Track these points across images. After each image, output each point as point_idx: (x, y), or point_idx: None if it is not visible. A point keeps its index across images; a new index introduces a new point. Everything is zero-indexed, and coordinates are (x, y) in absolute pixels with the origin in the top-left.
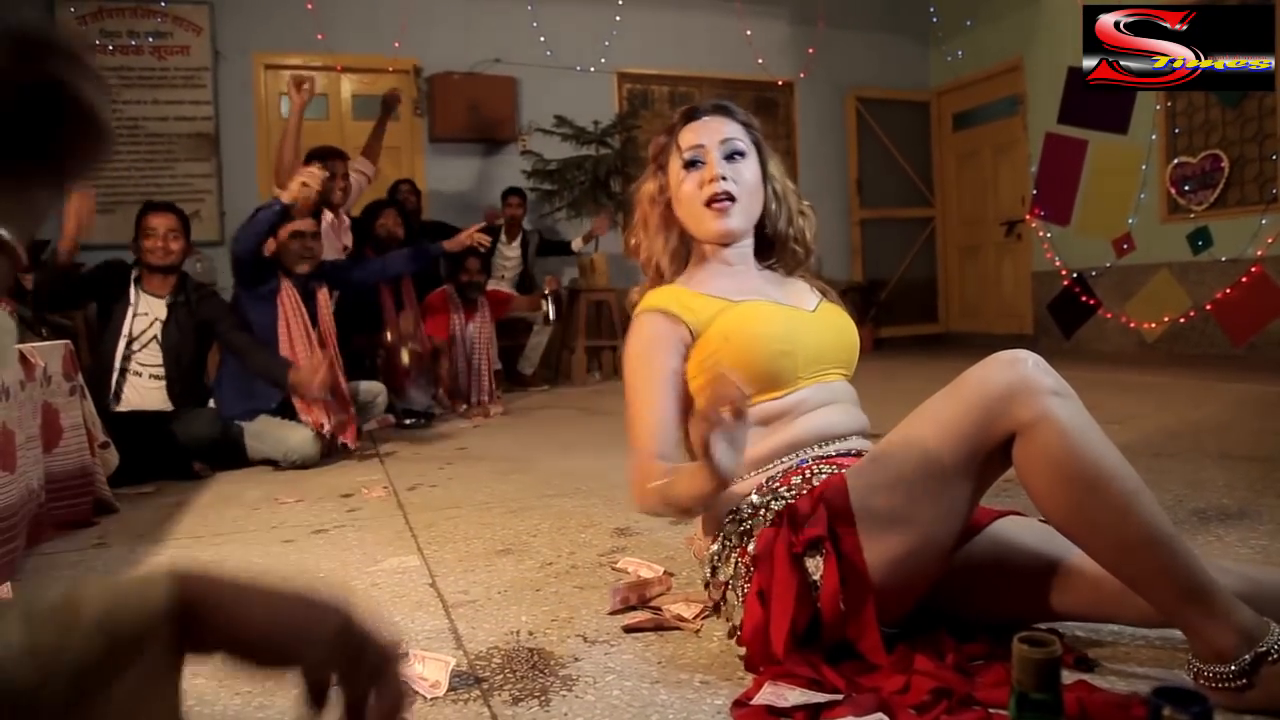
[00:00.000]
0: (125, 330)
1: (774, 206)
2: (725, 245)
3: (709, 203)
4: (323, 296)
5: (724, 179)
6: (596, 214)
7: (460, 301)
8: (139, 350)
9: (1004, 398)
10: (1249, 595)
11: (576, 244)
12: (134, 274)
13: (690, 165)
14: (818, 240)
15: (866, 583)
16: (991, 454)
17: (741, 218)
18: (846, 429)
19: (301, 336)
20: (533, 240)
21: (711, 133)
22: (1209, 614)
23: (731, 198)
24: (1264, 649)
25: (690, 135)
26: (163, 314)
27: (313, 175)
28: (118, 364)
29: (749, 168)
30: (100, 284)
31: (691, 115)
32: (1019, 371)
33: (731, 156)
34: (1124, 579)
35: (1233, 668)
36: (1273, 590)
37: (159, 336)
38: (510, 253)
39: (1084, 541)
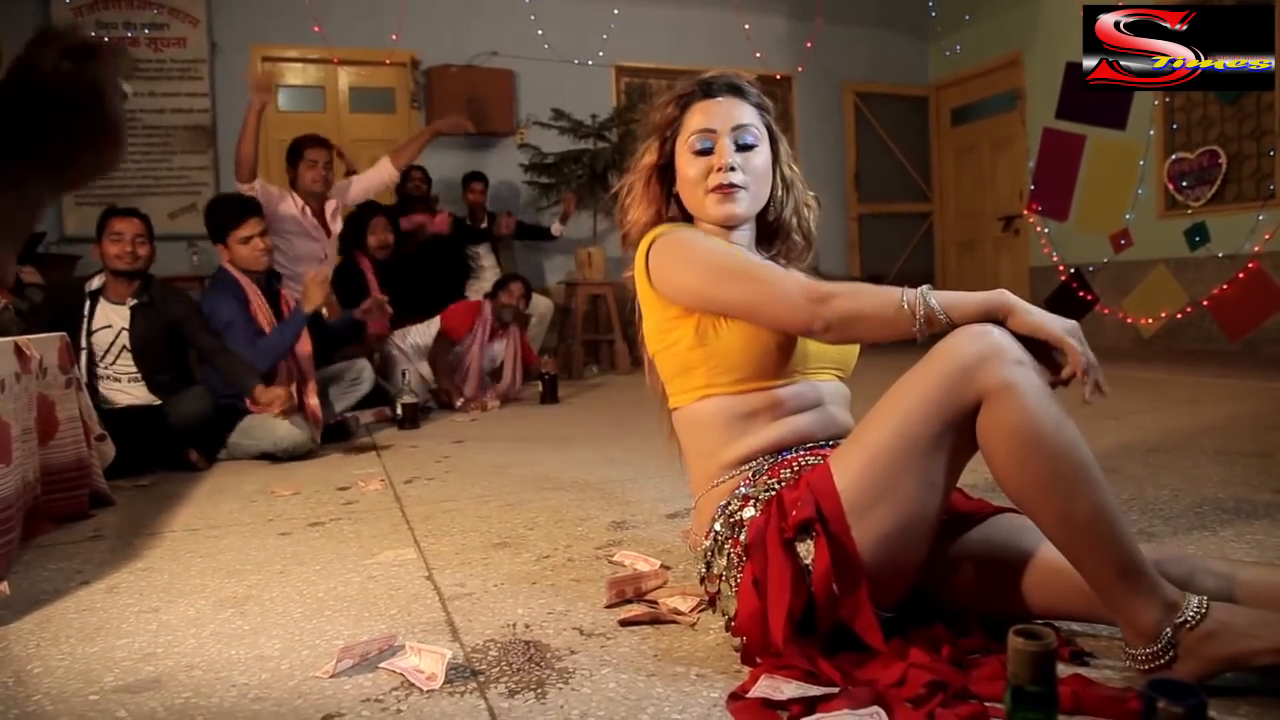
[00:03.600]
0: (85, 346)
1: (780, 193)
2: (729, 228)
3: (713, 190)
4: (286, 295)
5: (733, 169)
6: (593, 208)
7: (491, 321)
8: (111, 361)
9: (971, 366)
10: (1231, 596)
11: (556, 228)
12: (92, 287)
13: (699, 149)
14: (818, 232)
15: (857, 562)
16: (965, 424)
17: (747, 203)
18: (831, 433)
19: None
20: (501, 221)
21: (724, 117)
22: (1137, 590)
23: (738, 187)
24: (1181, 619)
25: (701, 118)
26: (126, 320)
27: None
28: (85, 378)
29: (759, 155)
30: (56, 319)
31: (706, 91)
32: (986, 341)
33: (742, 142)
34: (1066, 551)
35: (1157, 646)
36: (1267, 588)
37: (127, 344)
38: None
39: (1033, 510)
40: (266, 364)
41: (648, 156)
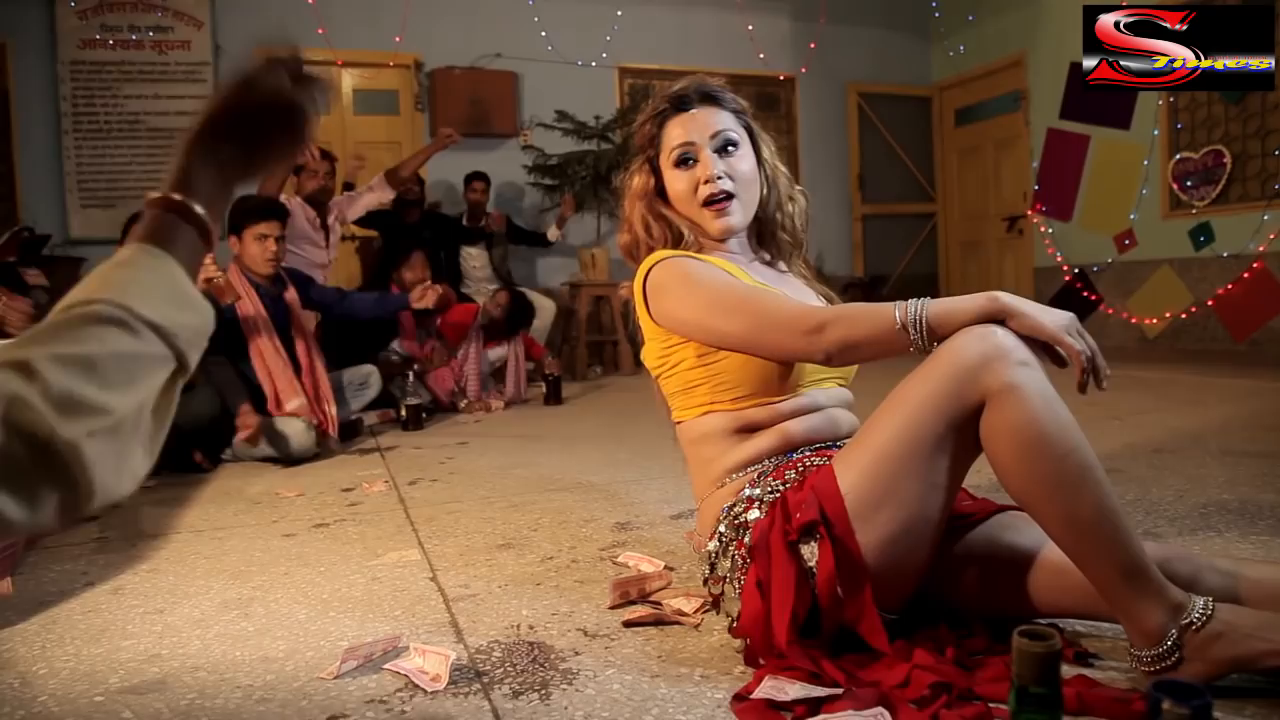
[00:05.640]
0: None
1: (765, 193)
2: (724, 240)
3: (706, 203)
4: (291, 298)
5: (720, 177)
6: (597, 210)
7: (484, 332)
8: None
9: (975, 367)
10: (1237, 595)
11: (552, 234)
12: None
13: (682, 163)
14: (808, 229)
15: (861, 565)
16: (968, 425)
17: (741, 213)
18: (837, 435)
19: (271, 350)
20: (489, 218)
21: (701, 127)
22: (1142, 592)
23: (730, 195)
24: (1186, 620)
25: (678, 131)
26: None
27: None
28: None
29: (744, 158)
30: None
31: (679, 104)
32: (990, 342)
33: (724, 149)
34: (1070, 552)
35: (1161, 649)
36: (1274, 587)
37: None
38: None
39: (1037, 511)
40: None
41: (638, 180)
